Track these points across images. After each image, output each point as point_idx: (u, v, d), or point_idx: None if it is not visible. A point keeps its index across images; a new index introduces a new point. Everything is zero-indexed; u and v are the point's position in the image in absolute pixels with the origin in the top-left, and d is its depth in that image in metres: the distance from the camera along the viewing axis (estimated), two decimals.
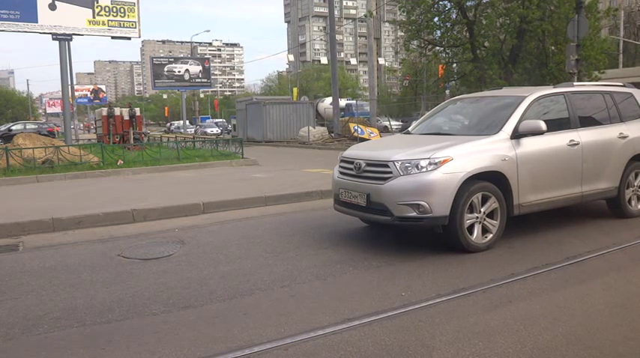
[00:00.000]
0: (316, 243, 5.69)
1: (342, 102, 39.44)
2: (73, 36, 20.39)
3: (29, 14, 19.22)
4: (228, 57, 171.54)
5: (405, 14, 22.11)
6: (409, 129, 7.07)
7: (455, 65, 24.01)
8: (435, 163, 4.98)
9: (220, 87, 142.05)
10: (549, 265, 4.64)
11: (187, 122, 56.39)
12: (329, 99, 39.59)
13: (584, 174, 5.93)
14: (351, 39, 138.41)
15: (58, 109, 57.87)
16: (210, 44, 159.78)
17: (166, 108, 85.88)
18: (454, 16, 21.28)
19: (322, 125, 31.18)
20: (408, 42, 23.47)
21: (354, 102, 43.20)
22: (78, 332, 3.53)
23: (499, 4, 19.72)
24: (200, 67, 50.98)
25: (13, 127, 35.54)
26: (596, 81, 16.45)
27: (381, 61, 69.43)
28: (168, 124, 66.63)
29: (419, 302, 3.83)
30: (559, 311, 3.63)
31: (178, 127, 54.97)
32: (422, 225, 5.14)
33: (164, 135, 35.23)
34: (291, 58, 62.25)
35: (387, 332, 3.34)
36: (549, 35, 19.64)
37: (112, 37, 21.45)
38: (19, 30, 19.39)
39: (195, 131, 44.66)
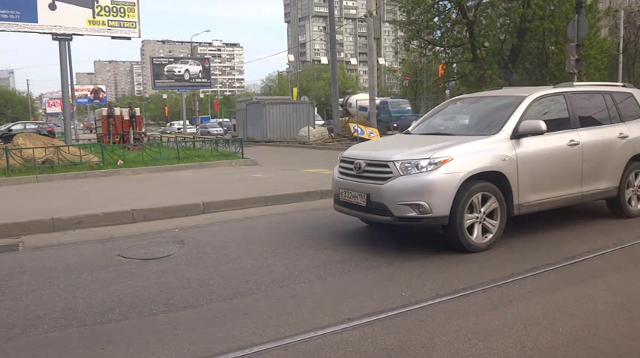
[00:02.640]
0: (316, 243, 5.69)
1: (377, 101, 37.15)
2: (73, 36, 20.37)
3: (29, 14, 19.20)
4: (228, 57, 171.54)
5: (405, 14, 22.14)
6: (409, 129, 7.08)
7: (455, 65, 24.05)
8: (435, 163, 4.98)
9: (220, 87, 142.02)
10: (549, 265, 4.64)
11: (187, 122, 56.24)
12: (358, 96, 37.83)
13: (584, 174, 5.93)
14: (351, 39, 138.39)
15: (58, 109, 57.92)
16: (210, 44, 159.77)
17: (166, 108, 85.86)
18: (454, 16, 21.32)
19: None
20: (408, 42, 23.51)
21: (389, 99, 38.98)
22: (78, 332, 3.53)
23: (499, 4, 19.76)
24: (200, 67, 50.92)
25: (13, 127, 35.55)
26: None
27: (381, 61, 69.36)
28: (168, 124, 66.48)
29: (419, 302, 3.83)
30: (559, 311, 3.63)
31: (179, 129, 54.45)
32: (422, 225, 5.14)
33: (164, 135, 35.21)
34: (291, 58, 62.25)
35: (387, 332, 3.34)
36: (550, 35, 19.66)
37: (112, 37, 21.43)
38: (19, 30, 19.37)
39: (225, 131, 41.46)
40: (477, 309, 3.71)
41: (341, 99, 36.78)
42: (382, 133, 23.35)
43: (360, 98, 35.20)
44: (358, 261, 4.93)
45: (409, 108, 35.79)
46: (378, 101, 35.16)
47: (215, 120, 52.31)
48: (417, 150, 5.24)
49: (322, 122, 33.80)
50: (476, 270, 4.57)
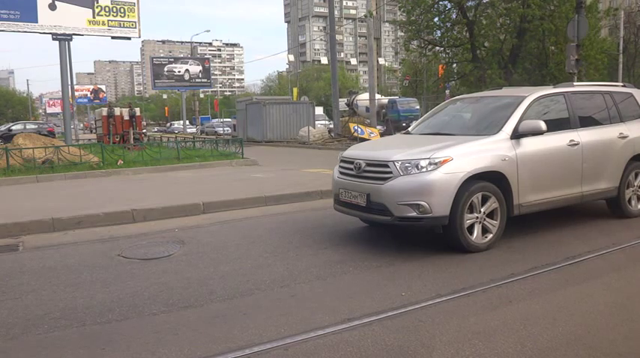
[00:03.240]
0: (316, 243, 5.69)
1: (385, 99, 34.57)
2: (73, 36, 20.38)
3: (29, 14, 19.21)
4: (228, 57, 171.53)
5: (405, 14, 22.14)
6: (409, 129, 7.08)
7: (455, 65, 24.03)
8: (435, 163, 4.98)
9: (220, 87, 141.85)
10: (549, 265, 4.64)
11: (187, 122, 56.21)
12: (365, 95, 36.95)
13: (584, 174, 5.93)
14: (351, 39, 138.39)
15: (58, 109, 57.89)
16: (210, 44, 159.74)
17: (166, 108, 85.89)
18: (454, 16, 21.31)
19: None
20: (408, 42, 23.50)
21: (398, 97, 37.54)
22: (78, 332, 3.53)
23: (499, 4, 19.75)
24: (200, 67, 50.99)
25: (13, 127, 35.55)
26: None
27: (381, 61, 69.37)
28: (168, 124, 66.43)
29: (419, 302, 3.83)
30: (559, 311, 3.63)
31: (179, 127, 54.41)
32: (422, 225, 5.14)
33: (164, 135, 35.19)
34: (291, 58, 62.26)
35: (387, 332, 3.34)
36: (550, 35, 19.65)
37: (112, 37, 21.44)
38: (19, 30, 19.38)
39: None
40: (477, 309, 3.71)
41: (343, 99, 36.39)
42: (391, 133, 23.06)
43: (367, 98, 34.39)
44: (358, 261, 4.93)
45: (418, 107, 34.73)
46: (385, 100, 34.38)
47: (217, 119, 52.34)
48: (417, 150, 5.24)
49: (328, 122, 33.16)
50: (476, 270, 4.57)
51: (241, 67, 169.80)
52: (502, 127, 5.49)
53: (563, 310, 3.66)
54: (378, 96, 37.04)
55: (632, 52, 38.40)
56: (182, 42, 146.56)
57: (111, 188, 10.04)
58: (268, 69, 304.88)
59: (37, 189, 10.10)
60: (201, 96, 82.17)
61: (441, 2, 21.51)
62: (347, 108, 34.51)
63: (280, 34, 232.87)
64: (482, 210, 5.15)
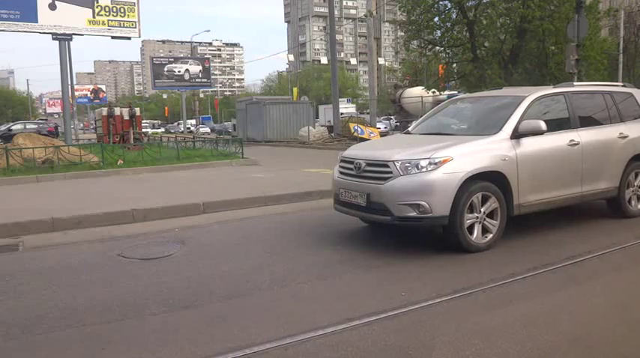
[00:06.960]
0: (316, 242, 5.69)
1: (442, 96, 33.66)
2: (73, 36, 20.38)
3: (29, 14, 19.20)
4: (228, 57, 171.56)
5: (405, 14, 22.13)
6: (409, 129, 7.08)
7: (455, 65, 24.00)
8: (435, 163, 4.98)
9: (220, 87, 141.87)
10: (549, 265, 4.64)
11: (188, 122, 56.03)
12: (413, 90, 35.23)
13: (584, 174, 5.93)
14: (351, 39, 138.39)
15: (58, 109, 57.93)
16: (210, 44, 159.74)
17: (166, 108, 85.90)
18: (454, 16, 21.28)
19: (407, 121, 26.42)
20: (408, 42, 23.49)
21: (458, 93, 36.16)
22: (78, 332, 3.53)
23: (499, 3, 19.72)
24: (200, 67, 50.91)
25: (13, 127, 35.51)
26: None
27: (381, 61, 69.29)
28: (176, 124, 66.24)
29: (419, 302, 3.83)
30: (559, 311, 3.63)
31: (189, 128, 53.91)
32: (422, 225, 5.14)
33: (164, 135, 35.24)
34: (291, 58, 62.34)
35: (387, 332, 3.34)
36: (550, 35, 19.64)
37: (112, 37, 21.43)
38: (19, 30, 19.38)
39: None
40: (477, 309, 3.71)
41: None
42: None
43: (416, 94, 32.48)
44: (358, 261, 4.93)
45: None
46: (443, 96, 33.09)
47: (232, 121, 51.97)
48: (417, 150, 5.24)
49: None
50: (476, 270, 4.57)
51: (241, 67, 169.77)
52: (502, 127, 5.49)
53: (563, 310, 3.66)
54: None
55: (632, 52, 38.32)
56: (182, 42, 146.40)
57: (111, 188, 10.04)
58: (268, 69, 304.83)
59: (37, 189, 10.09)
60: (201, 96, 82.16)
61: (441, 2, 21.49)
62: (394, 105, 32.99)
63: (280, 34, 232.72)
64: (482, 209, 5.14)
